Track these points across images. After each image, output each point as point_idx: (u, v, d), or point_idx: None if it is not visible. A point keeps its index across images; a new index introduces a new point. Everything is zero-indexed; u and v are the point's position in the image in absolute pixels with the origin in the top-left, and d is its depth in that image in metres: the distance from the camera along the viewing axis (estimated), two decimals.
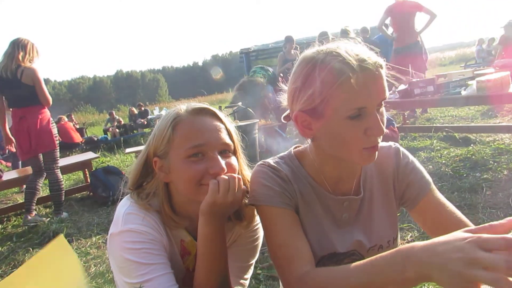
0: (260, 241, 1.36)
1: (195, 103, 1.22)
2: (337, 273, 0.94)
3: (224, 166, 1.12)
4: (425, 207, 1.18)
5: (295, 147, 1.27)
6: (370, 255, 1.02)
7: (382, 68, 1.00)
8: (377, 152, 1.05)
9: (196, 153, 1.12)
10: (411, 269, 0.79)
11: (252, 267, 1.35)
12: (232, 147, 1.20)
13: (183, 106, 1.20)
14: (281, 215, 1.10)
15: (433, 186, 1.20)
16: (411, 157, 1.24)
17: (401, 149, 1.23)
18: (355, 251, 1.16)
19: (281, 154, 1.26)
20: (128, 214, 1.14)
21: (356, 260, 1.01)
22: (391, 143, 1.24)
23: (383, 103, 1.02)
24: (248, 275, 1.33)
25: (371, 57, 0.99)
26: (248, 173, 1.28)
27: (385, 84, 1.01)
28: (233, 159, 1.19)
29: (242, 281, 1.30)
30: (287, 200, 1.12)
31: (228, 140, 1.18)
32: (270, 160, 1.22)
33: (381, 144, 1.20)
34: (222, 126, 1.19)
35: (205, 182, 1.11)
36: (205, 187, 1.10)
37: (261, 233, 1.35)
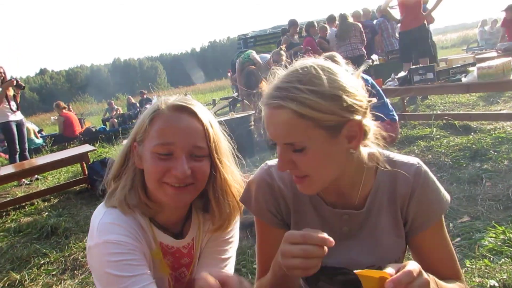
0: (234, 236, 1.36)
1: (180, 98, 1.19)
2: (262, 280, 1.17)
3: (186, 169, 1.09)
4: (421, 241, 1.14)
5: None
6: None
7: (285, 109, 0.94)
8: (307, 185, 1.03)
9: (163, 152, 1.10)
10: (278, 269, 1.00)
11: (232, 261, 1.34)
12: (206, 151, 1.15)
13: (167, 100, 1.18)
14: (266, 230, 1.22)
15: (440, 222, 1.13)
16: (431, 182, 1.13)
17: (423, 170, 1.13)
18: (348, 270, 1.12)
19: None
20: (103, 224, 1.11)
21: (351, 279, 1.01)
22: (416, 162, 1.15)
23: (307, 148, 0.97)
24: (229, 266, 1.32)
25: (272, 95, 0.98)
26: (236, 179, 1.27)
27: (284, 127, 0.96)
28: (204, 164, 1.15)
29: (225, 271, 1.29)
30: (273, 219, 1.19)
31: (201, 143, 1.14)
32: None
33: (404, 159, 1.16)
34: (199, 127, 1.14)
35: (167, 181, 1.10)
36: (165, 186, 1.11)
37: (235, 230, 1.37)
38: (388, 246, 1.14)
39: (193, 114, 1.15)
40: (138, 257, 1.09)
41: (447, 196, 1.14)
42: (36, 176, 6.90)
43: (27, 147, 6.91)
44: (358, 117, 0.98)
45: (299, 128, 0.94)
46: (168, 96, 1.20)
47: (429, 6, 6.92)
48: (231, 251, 1.33)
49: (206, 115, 1.18)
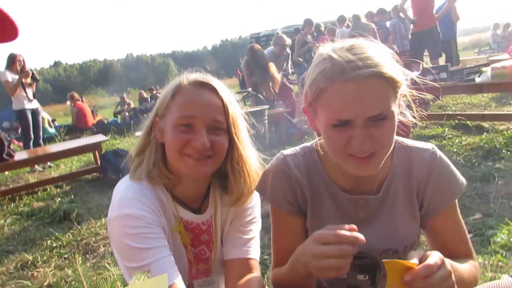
0: (257, 218, 1.38)
1: (201, 75, 1.23)
2: (279, 271, 1.17)
3: (206, 141, 1.13)
4: (436, 223, 1.16)
5: (320, 139, 1.23)
6: (383, 258, 1.04)
7: (379, 78, 0.93)
8: (373, 163, 1.01)
9: (184, 124, 1.15)
10: (301, 268, 1.00)
11: (256, 242, 1.35)
12: (225, 125, 1.19)
13: (189, 76, 1.22)
14: (282, 219, 1.22)
15: (455, 205, 1.15)
16: (446, 166, 1.15)
17: (438, 154, 1.15)
18: (365, 254, 1.12)
19: (304, 145, 1.26)
20: (124, 198, 1.15)
21: (369, 262, 1.06)
22: (429, 146, 1.17)
23: (389, 115, 0.96)
24: (253, 248, 1.33)
25: (365, 65, 0.93)
26: (253, 160, 1.29)
27: (378, 95, 0.94)
28: (222, 138, 1.19)
29: (250, 253, 1.31)
30: (290, 207, 1.20)
31: (220, 118, 1.17)
32: (289, 152, 1.24)
33: (419, 145, 1.18)
34: (219, 103, 1.18)
35: (187, 152, 1.14)
36: (186, 158, 1.15)
37: (257, 211, 1.39)
38: (403, 230, 1.16)
39: (213, 90, 1.19)
40: (156, 230, 1.13)
41: (463, 179, 1.16)
42: (48, 163, 7.00)
43: (41, 135, 7.00)
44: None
45: (389, 94, 0.96)
46: (188, 74, 1.23)
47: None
48: (255, 232, 1.36)
49: (226, 92, 1.22)
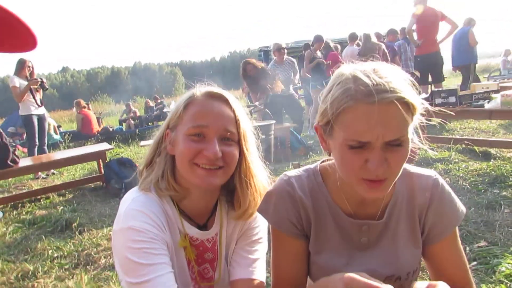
0: (263, 238, 1.38)
1: (213, 88, 1.24)
2: None
3: (218, 151, 1.14)
4: (436, 251, 1.17)
5: (323, 161, 1.24)
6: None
7: (401, 103, 0.92)
8: (383, 187, 1.00)
9: (197, 133, 1.16)
10: None
11: (262, 263, 1.34)
12: (236, 137, 1.20)
13: (201, 88, 1.24)
14: (284, 241, 1.19)
15: (455, 233, 1.17)
16: (448, 194, 1.17)
17: (440, 182, 1.17)
18: None
19: (308, 167, 1.26)
20: (130, 210, 1.15)
21: None
22: (432, 174, 1.19)
23: (405, 141, 0.96)
24: (259, 269, 1.32)
25: (390, 90, 0.92)
26: (260, 172, 1.30)
27: (399, 120, 0.93)
28: (233, 148, 1.20)
29: (255, 273, 1.30)
30: (293, 229, 1.18)
31: (231, 128, 1.19)
32: (293, 173, 1.23)
33: (422, 171, 1.19)
34: (231, 114, 1.20)
35: (198, 162, 1.15)
36: (196, 168, 1.15)
37: (263, 232, 1.38)
38: (406, 257, 1.16)
39: (225, 101, 1.21)
40: (159, 246, 1.13)
41: (463, 207, 1.18)
42: (52, 171, 7.02)
43: (46, 141, 7.02)
44: None
45: (408, 120, 0.95)
46: (199, 86, 1.25)
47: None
48: (261, 253, 1.35)
49: (238, 105, 1.24)
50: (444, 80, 7.19)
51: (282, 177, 1.24)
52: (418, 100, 0.97)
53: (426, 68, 6.85)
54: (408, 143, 0.98)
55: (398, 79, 0.96)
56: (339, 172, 1.08)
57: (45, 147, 6.94)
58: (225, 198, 1.33)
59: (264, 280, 1.32)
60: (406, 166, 1.19)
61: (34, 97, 6.42)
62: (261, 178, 1.30)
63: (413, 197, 1.16)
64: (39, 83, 6.45)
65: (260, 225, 1.37)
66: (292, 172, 1.24)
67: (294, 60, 8.09)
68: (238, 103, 1.25)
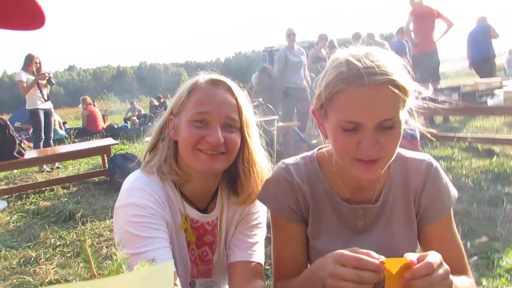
0: (262, 224, 1.39)
1: (216, 75, 1.26)
2: (287, 283, 1.15)
3: (220, 137, 1.15)
4: (430, 234, 1.18)
5: (320, 148, 1.26)
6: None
7: (392, 85, 0.94)
8: (377, 168, 1.01)
9: (200, 120, 1.17)
10: (319, 282, 0.96)
11: (261, 247, 1.35)
12: (238, 123, 1.22)
13: (205, 75, 1.25)
14: (284, 227, 1.20)
15: (450, 215, 1.17)
16: (441, 176, 1.18)
17: (434, 165, 1.18)
18: None
19: (305, 154, 1.27)
20: (132, 188, 1.18)
21: None
22: (426, 157, 1.20)
23: (397, 123, 0.98)
24: (258, 252, 1.33)
25: (380, 72, 0.94)
26: (262, 160, 1.31)
27: (390, 102, 0.96)
28: (235, 135, 1.21)
29: (254, 256, 1.31)
30: (293, 214, 1.19)
31: (234, 115, 1.20)
32: (290, 161, 1.25)
33: (416, 155, 1.20)
34: (233, 101, 1.21)
35: (200, 147, 1.16)
36: (199, 153, 1.17)
37: (262, 217, 1.39)
38: (402, 239, 1.17)
39: (228, 89, 1.22)
40: (159, 222, 1.14)
41: (455, 192, 1.19)
42: (57, 164, 7.06)
43: (52, 136, 7.06)
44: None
45: (399, 102, 0.97)
46: (202, 73, 1.27)
47: None
48: (260, 237, 1.36)
49: (240, 92, 1.25)
50: (440, 79, 7.17)
51: (280, 164, 1.25)
52: (409, 83, 0.99)
53: (424, 67, 6.85)
54: (400, 126, 0.99)
55: (389, 63, 0.98)
56: (334, 156, 1.09)
57: (51, 141, 6.97)
58: (226, 184, 1.35)
59: (262, 262, 1.33)
60: (400, 150, 1.20)
61: (41, 92, 6.46)
62: (264, 165, 1.31)
63: (407, 180, 1.17)
64: (47, 78, 6.50)
65: (260, 211, 1.38)
66: (290, 160, 1.26)
67: (303, 50, 7.93)
68: (240, 91, 1.26)
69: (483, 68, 8.05)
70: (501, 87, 4.61)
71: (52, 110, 6.96)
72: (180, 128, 1.21)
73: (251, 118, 1.27)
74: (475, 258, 2.54)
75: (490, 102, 4.35)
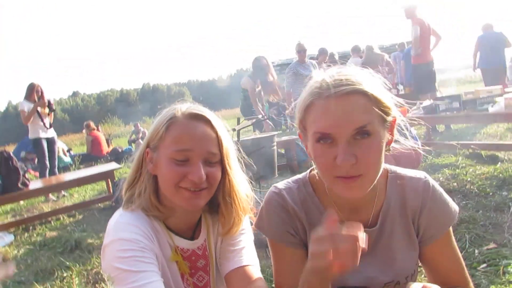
0: (245, 229, 1.37)
1: (193, 107, 1.25)
2: None
3: (203, 174, 1.15)
4: (432, 251, 1.17)
5: (311, 170, 1.25)
6: None
7: (359, 94, 0.97)
8: (360, 184, 1.00)
9: (181, 157, 1.16)
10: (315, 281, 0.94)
11: (249, 250, 1.34)
12: (219, 157, 1.21)
13: (182, 107, 1.24)
14: (283, 252, 1.19)
15: (449, 233, 1.17)
16: (439, 195, 1.17)
17: (431, 183, 1.17)
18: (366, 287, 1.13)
19: (297, 177, 1.26)
20: (118, 224, 1.18)
21: None
22: (423, 176, 1.19)
23: (373, 134, 0.97)
24: (247, 255, 1.31)
25: (347, 83, 0.97)
26: (243, 185, 1.31)
27: (359, 111, 0.96)
28: (216, 169, 1.21)
29: (244, 260, 1.29)
30: (291, 239, 1.18)
31: (214, 150, 1.19)
32: (283, 186, 1.24)
33: (412, 174, 1.19)
34: (213, 134, 1.21)
35: (183, 185, 1.16)
36: (182, 191, 1.16)
37: (244, 223, 1.37)
38: (403, 261, 1.16)
39: (207, 122, 1.21)
40: (148, 255, 1.13)
41: (456, 207, 1.18)
42: (63, 193, 7.08)
43: (57, 164, 7.08)
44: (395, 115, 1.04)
45: (371, 111, 0.97)
46: (181, 104, 1.26)
47: None
48: (245, 242, 1.35)
49: (219, 123, 1.25)
50: (436, 91, 7.20)
51: (272, 189, 1.24)
52: (386, 97, 1.01)
53: (424, 77, 6.88)
54: (377, 136, 0.98)
55: (362, 77, 1.00)
56: (321, 176, 1.09)
57: (56, 170, 7.01)
58: (208, 209, 1.35)
59: (255, 264, 1.31)
60: (396, 168, 1.20)
61: (42, 120, 6.51)
62: (244, 191, 1.31)
63: (405, 201, 1.16)
64: (47, 104, 6.53)
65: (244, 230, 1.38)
66: (282, 184, 1.25)
67: (315, 63, 7.91)
68: (219, 121, 1.26)
69: (495, 77, 8.03)
70: (502, 94, 4.60)
71: (56, 138, 7.00)
72: (160, 164, 1.20)
73: (231, 148, 1.27)
74: (484, 265, 2.50)
75: (491, 109, 4.33)
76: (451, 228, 1.17)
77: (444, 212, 1.15)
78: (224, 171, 1.24)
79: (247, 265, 1.28)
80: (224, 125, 1.28)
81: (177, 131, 1.19)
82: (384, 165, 1.16)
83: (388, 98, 1.02)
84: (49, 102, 6.62)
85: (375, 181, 1.04)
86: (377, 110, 0.97)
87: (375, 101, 0.98)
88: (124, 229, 1.15)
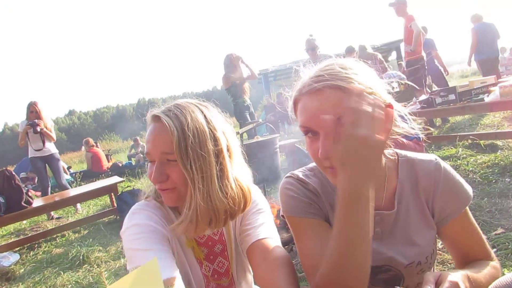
0: (263, 208, 1.35)
1: (155, 109, 1.23)
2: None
3: (156, 176, 1.16)
4: (452, 230, 1.18)
5: None
6: (408, 271, 1.12)
7: (331, 88, 0.98)
8: None
9: (148, 159, 1.21)
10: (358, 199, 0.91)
11: (267, 226, 1.29)
12: (175, 156, 1.14)
13: (153, 110, 1.25)
14: (309, 225, 1.14)
15: (467, 210, 1.17)
16: (452, 175, 1.17)
17: (442, 165, 1.18)
18: (390, 267, 1.14)
19: (311, 165, 1.27)
20: (134, 212, 1.24)
21: (393, 275, 1.08)
22: (433, 158, 1.20)
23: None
24: (265, 229, 1.26)
25: (326, 79, 0.99)
26: (213, 186, 1.19)
27: (332, 105, 0.97)
28: (174, 169, 1.16)
29: (261, 234, 1.25)
30: (315, 211, 1.16)
31: (167, 149, 1.15)
32: (299, 172, 1.24)
33: (422, 157, 1.20)
34: (167, 135, 1.15)
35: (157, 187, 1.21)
36: (161, 191, 1.20)
37: (261, 204, 1.36)
38: (422, 241, 1.16)
39: (161, 122, 1.17)
40: (159, 236, 1.17)
41: (469, 187, 1.18)
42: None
43: (62, 180, 6.96)
44: (390, 103, 1.05)
45: (345, 103, 0.97)
46: (156, 108, 1.26)
47: None
48: (264, 219, 1.31)
49: (176, 121, 1.17)
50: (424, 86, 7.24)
51: (288, 175, 1.24)
52: (372, 86, 1.01)
53: (418, 72, 6.94)
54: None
55: (345, 70, 1.02)
56: None
57: (64, 183, 6.89)
58: None
59: (273, 236, 1.26)
60: (406, 152, 1.22)
61: (29, 140, 6.47)
62: (217, 191, 1.19)
63: (417, 183, 1.17)
64: (31, 128, 6.39)
65: (256, 200, 1.36)
66: (298, 171, 1.25)
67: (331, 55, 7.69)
68: (177, 120, 1.17)
69: (490, 68, 8.09)
70: (496, 84, 4.64)
71: (55, 155, 6.86)
72: None
73: (194, 144, 1.15)
74: (494, 250, 2.52)
75: (487, 99, 4.36)
76: (467, 208, 1.17)
77: (458, 192, 1.16)
78: (186, 169, 1.15)
79: (265, 238, 1.23)
80: (197, 125, 1.18)
81: (147, 135, 1.23)
82: (393, 150, 1.19)
83: (378, 89, 1.03)
84: (32, 125, 6.42)
85: None
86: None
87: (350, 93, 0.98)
88: (138, 217, 1.20)
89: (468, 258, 1.16)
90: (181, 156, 1.13)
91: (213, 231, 1.32)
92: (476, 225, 1.19)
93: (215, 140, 1.19)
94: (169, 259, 1.11)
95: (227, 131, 1.26)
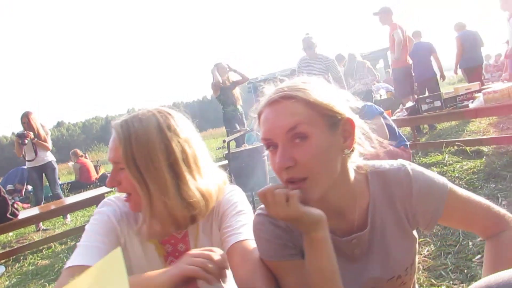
0: (244, 209, 1.34)
1: (120, 119, 1.29)
2: None
3: (110, 181, 1.26)
4: (447, 220, 1.17)
5: None
6: (390, 286, 1.13)
7: (287, 98, 1.00)
8: (307, 188, 0.99)
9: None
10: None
11: (249, 227, 1.25)
12: (121, 164, 1.20)
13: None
14: (288, 268, 1.12)
15: (451, 192, 1.15)
16: (421, 175, 1.15)
17: (411, 169, 1.15)
18: (374, 286, 1.14)
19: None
20: (103, 202, 1.36)
21: None
22: (400, 165, 1.17)
23: (310, 136, 0.98)
24: (246, 231, 1.25)
25: (283, 91, 1.02)
26: (169, 190, 1.20)
27: (288, 114, 0.99)
28: (124, 176, 1.22)
29: (242, 235, 1.24)
30: (291, 250, 1.13)
31: (116, 158, 1.22)
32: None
33: (389, 166, 1.18)
34: (116, 143, 1.22)
35: None
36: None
37: (241, 205, 1.35)
38: (400, 253, 1.15)
39: (114, 131, 1.24)
40: (107, 229, 1.27)
41: (443, 179, 1.17)
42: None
43: (58, 189, 6.97)
44: (350, 117, 1.06)
45: (304, 113, 0.99)
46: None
47: None
48: (245, 220, 1.30)
49: (125, 132, 1.20)
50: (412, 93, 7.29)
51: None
52: (325, 97, 1.02)
53: (404, 80, 7.01)
54: (318, 138, 0.99)
55: (307, 85, 1.04)
56: None
57: (59, 193, 6.92)
58: None
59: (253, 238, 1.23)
60: (372, 163, 1.19)
61: (23, 152, 6.48)
62: (174, 199, 1.21)
63: (391, 194, 1.15)
64: (19, 141, 6.37)
65: (236, 201, 1.36)
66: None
67: (330, 58, 7.09)
68: (127, 130, 1.20)
69: (475, 76, 8.20)
70: (480, 90, 4.70)
71: (51, 163, 6.83)
72: None
73: (143, 152, 1.17)
74: (478, 256, 2.52)
75: (472, 105, 4.42)
76: (451, 188, 1.15)
77: (433, 189, 1.13)
78: (136, 176, 1.18)
79: (246, 239, 1.22)
80: (146, 128, 1.20)
81: None
82: (361, 162, 1.16)
83: (337, 103, 1.04)
84: (19, 137, 6.39)
85: (330, 182, 1.03)
86: (314, 113, 1.00)
87: (313, 106, 1.00)
88: (102, 206, 1.35)
89: (487, 230, 1.18)
90: (128, 165, 1.18)
91: (177, 231, 1.35)
92: (473, 197, 1.17)
93: (168, 150, 1.20)
94: (95, 249, 1.20)
95: (192, 139, 1.28)
